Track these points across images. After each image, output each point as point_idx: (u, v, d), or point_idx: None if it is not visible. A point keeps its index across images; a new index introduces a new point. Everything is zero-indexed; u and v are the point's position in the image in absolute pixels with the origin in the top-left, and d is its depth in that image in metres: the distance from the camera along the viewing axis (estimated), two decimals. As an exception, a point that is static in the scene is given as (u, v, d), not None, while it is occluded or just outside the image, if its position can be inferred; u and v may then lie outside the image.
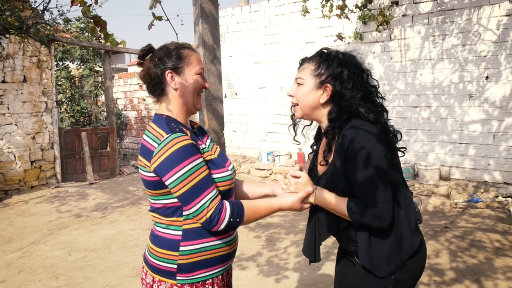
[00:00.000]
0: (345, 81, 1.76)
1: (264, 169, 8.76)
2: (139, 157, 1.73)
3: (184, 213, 1.68)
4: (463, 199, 6.29)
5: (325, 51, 1.86)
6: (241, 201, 1.73)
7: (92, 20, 2.67)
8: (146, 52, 1.80)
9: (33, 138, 8.67)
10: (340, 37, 6.52)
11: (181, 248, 1.68)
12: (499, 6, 6.22)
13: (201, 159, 1.65)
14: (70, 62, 12.91)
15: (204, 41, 2.54)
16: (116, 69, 16.64)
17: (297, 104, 1.86)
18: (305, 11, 6.40)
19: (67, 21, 11.68)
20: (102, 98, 13.03)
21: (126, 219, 6.48)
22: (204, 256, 1.71)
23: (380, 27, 6.80)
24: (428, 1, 6.86)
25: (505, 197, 6.11)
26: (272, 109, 9.16)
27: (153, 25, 3.28)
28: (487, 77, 6.41)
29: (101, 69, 12.05)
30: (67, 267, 4.75)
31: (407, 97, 7.23)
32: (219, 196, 1.65)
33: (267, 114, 9.28)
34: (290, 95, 1.89)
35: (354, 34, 7.52)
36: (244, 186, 2.07)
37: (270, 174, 8.64)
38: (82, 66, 12.88)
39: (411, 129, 7.21)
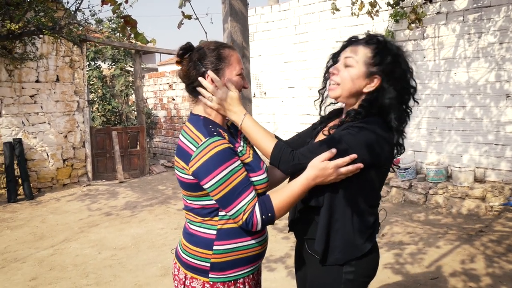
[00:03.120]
0: (394, 80, 1.69)
1: (292, 169, 8.68)
2: (176, 158, 1.73)
3: (220, 213, 1.68)
4: (499, 202, 6.08)
5: (382, 39, 1.74)
6: (268, 193, 1.69)
7: (122, 20, 2.67)
8: (185, 51, 1.76)
9: (65, 136, 8.84)
10: (367, 35, 6.38)
11: (214, 247, 1.69)
12: (539, 2, 5.97)
13: (238, 162, 1.64)
14: (102, 62, 13.12)
15: (233, 40, 2.50)
16: (146, 68, 16.85)
17: (339, 84, 1.75)
18: (335, 9, 6.29)
19: (99, 21, 11.89)
20: (132, 97, 13.19)
21: (155, 218, 6.52)
22: (237, 255, 1.71)
23: (412, 25, 6.62)
24: (463, -2, 6.65)
25: (544, 201, 5.87)
26: (301, 108, 9.06)
27: (183, 24, 3.26)
28: (525, 76, 6.16)
29: (132, 69, 12.20)
30: (96, 265, 4.80)
31: (441, 96, 7.02)
32: (256, 198, 1.63)
33: (296, 114, 9.19)
34: (333, 72, 1.78)
35: (385, 32, 7.36)
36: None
37: (298, 175, 8.54)
38: (113, 66, 13.07)
39: (445, 129, 7.01)
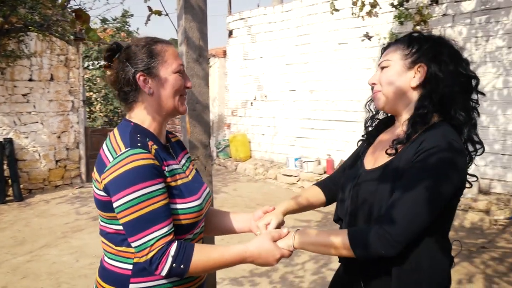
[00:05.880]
0: (444, 62, 1.39)
1: (291, 175, 8.39)
2: (94, 168, 1.44)
3: None
4: (504, 216, 5.72)
5: (418, 34, 1.50)
6: (195, 244, 1.40)
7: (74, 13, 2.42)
8: (113, 52, 1.48)
9: (59, 137, 8.65)
10: (367, 36, 6.02)
11: (131, 286, 1.39)
12: (551, 4, 5.61)
13: (160, 186, 1.34)
14: (106, 61, 12.98)
15: (187, 37, 2.23)
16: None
17: (380, 91, 1.48)
18: (334, 9, 5.96)
19: (104, 21, 11.73)
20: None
21: (142, 224, 6.27)
22: None
23: (417, 27, 6.26)
24: (471, 0, 6.32)
25: (553, 217, 5.50)
26: (302, 112, 8.77)
27: (149, 20, 3.01)
28: (535, 83, 5.80)
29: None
30: (72, 274, 4.59)
31: (446, 103, 6.67)
32: (171, 236, 1.33)
33: (297, 118, 8.90)
34: (372, 84, 1.51)
35: (389, 34, 7.04)
36: (220, 216, 1.76)
37: (297, 181, 8.26)
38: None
39: (449, 137, 6.66)
